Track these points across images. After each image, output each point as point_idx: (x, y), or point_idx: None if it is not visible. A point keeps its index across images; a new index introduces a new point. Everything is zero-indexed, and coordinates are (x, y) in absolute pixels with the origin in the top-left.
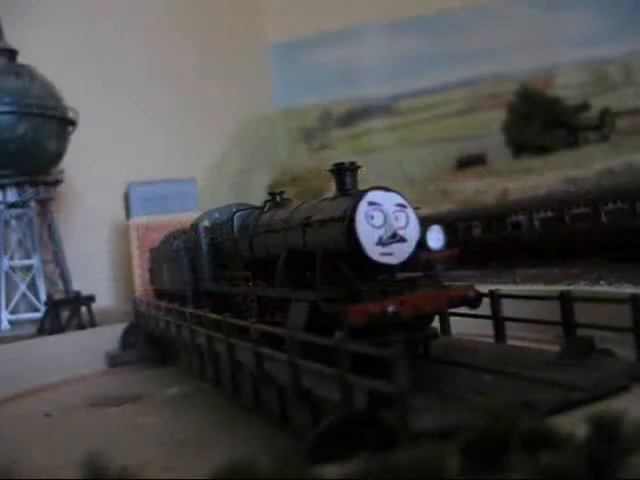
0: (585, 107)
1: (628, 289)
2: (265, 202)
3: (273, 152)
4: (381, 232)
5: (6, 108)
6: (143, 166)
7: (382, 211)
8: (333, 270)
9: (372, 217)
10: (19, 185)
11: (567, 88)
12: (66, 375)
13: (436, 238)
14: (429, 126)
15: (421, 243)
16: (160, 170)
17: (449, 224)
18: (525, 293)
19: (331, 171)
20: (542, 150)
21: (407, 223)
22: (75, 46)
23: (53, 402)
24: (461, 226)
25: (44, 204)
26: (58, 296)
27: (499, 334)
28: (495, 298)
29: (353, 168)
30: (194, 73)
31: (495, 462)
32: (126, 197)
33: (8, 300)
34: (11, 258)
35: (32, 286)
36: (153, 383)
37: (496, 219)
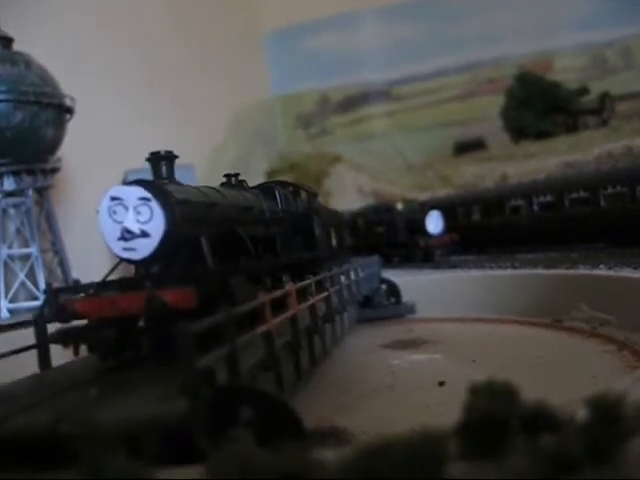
0: (584, 91)
1: (627, 273)
2: (221, 184)
3: (271, 139)
4: (121, 227)
5: (1, 96)
6: (140, 154)
7: (124, 205)
8: None
9: (115, 212)
10: (16, 173)
11: (566, 72)
12: None
13: (435, 223)
14: (428, 111)
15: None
16: None
17: (448, 209)
18: None
19: (148, 160)
20: (541, 134)
21: (151, 217)
22: (72, 35)
23: None
24: (460, 211)
25: (42, 192)
26: (57, 284)
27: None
28: (40, 324)
29: (169, 157)
30: (191, 60)
31: (494, 445)
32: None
33: (7, 289)
34: (9, 247)
35: (31, 275)
36: None
37: (495, 204)
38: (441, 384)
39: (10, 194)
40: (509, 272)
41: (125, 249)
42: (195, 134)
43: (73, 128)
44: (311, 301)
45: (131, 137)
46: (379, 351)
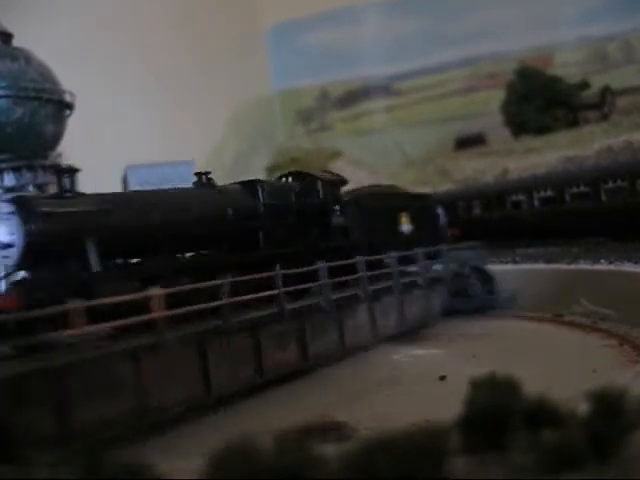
0: (585, 85)
1: (628, 267)
2: (193, 183)
3: (272, 134)
4: None
5: (1, 92)
6: (141, 149)
7: (1, 218)
8: None
9: None
10: (16, 169)
11: (567, 67)
12: None
13: None
14: (428, 106)
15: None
16: (158, 153)
17: (449, 203)
18: None
19: (53, 174)
20: (542, 129)
21: (15, 230)
22: (73, 31)
23: None
24: (461, 205)
25: (42, 188)
26: None
27: None
28: None
29: (71, 170)
30: (192, 57)
31: (496, 439)
32: (124, 180)
33: None
34: None
35: None
36: None
37: (496, 198)
38: (442, 378)
39: (10, 190)
40: (510, 267)
41: (3, 257)
42: (196, 130)
43: (73, 124)
44: (220, 302)
45: (132, 133)
46: (380, 346)
